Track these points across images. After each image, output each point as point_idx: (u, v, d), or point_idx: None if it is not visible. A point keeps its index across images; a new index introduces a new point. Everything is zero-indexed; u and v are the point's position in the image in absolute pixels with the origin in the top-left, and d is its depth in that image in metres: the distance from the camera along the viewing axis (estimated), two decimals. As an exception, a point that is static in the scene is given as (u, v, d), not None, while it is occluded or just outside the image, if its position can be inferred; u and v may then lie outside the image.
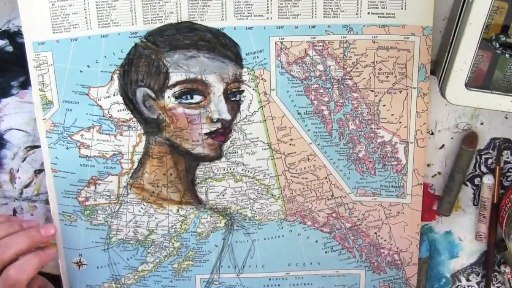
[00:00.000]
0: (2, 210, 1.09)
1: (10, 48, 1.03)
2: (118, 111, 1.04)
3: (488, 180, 1.10)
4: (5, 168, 1.08)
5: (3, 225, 1.01)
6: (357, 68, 1.02)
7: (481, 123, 1.07)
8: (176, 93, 1.02)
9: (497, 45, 0.93)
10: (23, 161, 1.07)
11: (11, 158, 1.07)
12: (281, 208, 1.11)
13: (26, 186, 1.09)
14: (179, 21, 1.00)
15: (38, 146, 1.06)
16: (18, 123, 1.05)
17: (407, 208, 1.10)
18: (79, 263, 1.13)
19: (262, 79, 1.03)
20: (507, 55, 0.94)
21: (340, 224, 1.11)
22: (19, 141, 1.06)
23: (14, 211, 1.10)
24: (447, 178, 1.11)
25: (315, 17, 1.00)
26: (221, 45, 1.01)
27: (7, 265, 0.97)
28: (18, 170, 1.08)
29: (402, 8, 0.99)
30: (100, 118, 1.04)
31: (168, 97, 1.03)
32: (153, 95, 1.03)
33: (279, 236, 1.12)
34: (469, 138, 1.07)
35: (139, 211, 1.09)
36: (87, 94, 1.03)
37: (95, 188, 1.08)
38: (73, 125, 1.04)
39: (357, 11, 0.99)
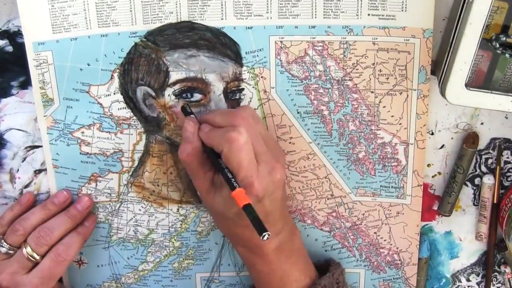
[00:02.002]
0: (2, 210, 1.09)
1: (10, 48, 1.02)
2: (118, 109, 1.04)
3: (488, 180, 1.10)
4: (5, 168, 1.08)
5: (36, 209, 1.06)
6: (357, 69, 1.02)
7: (481, 123, 1.07)
8: (176, 91, 1.02)
9: (497, 45, 0.93)
10: (23, 161, 1.07)
11: (11, 158, 1.07)
12: (281, 205, 1.11)
13: (26, 186, 1.09)
14: (179, 21, 1.00)
15: (38, 146, 1.06)
16: (18, 123, 1.05)
17: (407, 209, 1.10)
18: (80, 262, 1.13)
19: (262, 77, 1.03)
20: (507, 55, 0.93)
21: (340, 224, 1.11)
22: (19, 141, 1.06)
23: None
24: (447, 178, 1.11)
25: (315, 17, 1.00)
26: (221, 44, 1.01)
27: (54, 245, 1.05)
28: (18, 170, 1.08)
29: (402, 10, 0.98)
30: (100, 116, 1.04)
31: (168, 95, 1.03)
32: (153, 94, 1.03)
33: (279, 235, 1.12)
34: (470, 138, 1.07)
35: (140, 210, 1.10)
36: (87, 92, 1.03)
37: (96, 185, 1.08)
38: (73, 122, 1.04)
39: (357, 12, 0.99)
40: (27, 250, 1.02)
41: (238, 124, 0.93)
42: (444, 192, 1.11)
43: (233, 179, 0.91)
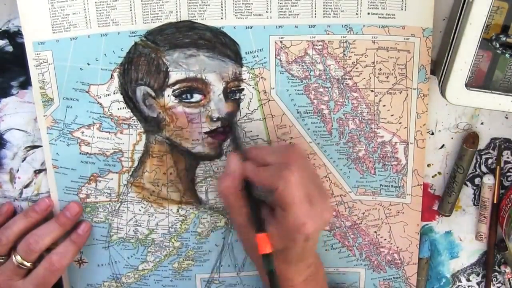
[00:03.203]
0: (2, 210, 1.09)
1: (10, 48, 1.02)
2: (118, 109, 1.04)
3: (488, 180, 1.10)
4: (5, 168, 1.08)
5: (18, 217, 1.06)
6: (357, 68, 1.02)
7: (481, 123, 1.07)
8: (176, 92, 1.02)
9: (497, 45, 0.93)
10: (23, 161, 1.07)
11: (11, 158, 1.07)
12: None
13: (26, 186, 1.09)
14: (179, 20, 1.00)
15: (38, 146, 1.06)
16: (18, 123, 1.05)
17: (407, 208, 1.10)
18: (80, 261, 1.13)
19: (261, 77, 1.03)
20: (507, 55, 0.93)
21: (340, 223, 1.11)
22: (19, 141, 1.06)
23: (14, 212, 1.10)
24: (447, 178, 1.11)
25: (315, 16, 1.00)
26: (220, 44, 1.01)
27: (45, 252, 1.05)
28: (18, 170, 1.08)
29: (402, 9, 0.98)
30: (100, 116, 1.04)
31: (168, 95, 1.02)
32: (153, 94, 1.03)
33: (279, 235, 1.12)
34: (471, 138, 1.07)
35: (140, 210, 1.09)
36: (87, 92, 1.03)
37: (96, 185, 1.08)
38: (73, 122, 1.04)
39: (357, 11, 0.99)
40: (16, 258, 1.03)
41: (291, 163, 0.93)
42: (444, 192, 1.11)
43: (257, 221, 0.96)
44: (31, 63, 1.01)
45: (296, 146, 1.03)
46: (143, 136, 1.06)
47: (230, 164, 0.98)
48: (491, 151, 1.09)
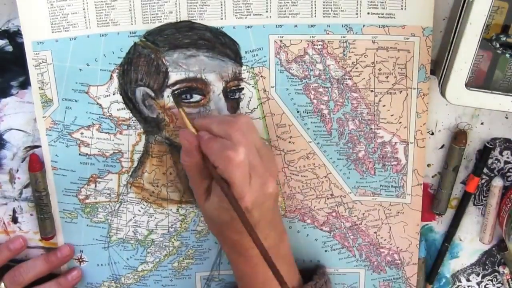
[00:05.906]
0: (2, 210, 1.09)
1: (9, 48, 1.02)
2: (117, 110, 1.04)
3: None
4: (4, 169, 1.08)
5: (38, 260, 1.11)
6: (356, 68, 1.02)
7: (481, 123, 1.07)
8: (176, 92, 1.02)
9: (498, 45, 0.93)
10: (22, 161, 1.07)
11: (11, 158, 1.07)
12: (281, 204, 1.11)
13: (26, 186, 1.09)
14: (178, 21, 1.00)
15: (38, 146, 1.06)
16: (18, 123, 1.05)
17: (407, 208, 1.10)
18: (80, 260, 1.13)
19: (261, 76, 1.03)
20: (507, 55, 0.93)
21: (340, 223, 1.11)
22: (18, 141, 1.06)
23: (14, 211, 1.10)
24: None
25: (315, 16, 0.99)
26: (220, 44, 1.01)
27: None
28: (17, 170, 1.08)
29: (402, 9, 0.98)
30: (99, 117, 1.04)
31: (168, 96, 1.02)
32: (152, 95, 1.03)
33: (278, 234, 1.12)
34: (457, 136, 1.07)
35: (139, 210, 1.09)
36: (86, 93, 1.03)
37: (95, 186, 1.08)
38: (73, 123, 1.04)
39: (356, 11, 0.99)
40: (0, 286, 1.06)
41: (234, 136, 0.92)
42: (436, 190, 1.11)
43: None
44: (30, 63, 1.01)
45: (242, 115, 1.02)
46: (143, 137, 1.06)
47: (185, 141, 0.96)
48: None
